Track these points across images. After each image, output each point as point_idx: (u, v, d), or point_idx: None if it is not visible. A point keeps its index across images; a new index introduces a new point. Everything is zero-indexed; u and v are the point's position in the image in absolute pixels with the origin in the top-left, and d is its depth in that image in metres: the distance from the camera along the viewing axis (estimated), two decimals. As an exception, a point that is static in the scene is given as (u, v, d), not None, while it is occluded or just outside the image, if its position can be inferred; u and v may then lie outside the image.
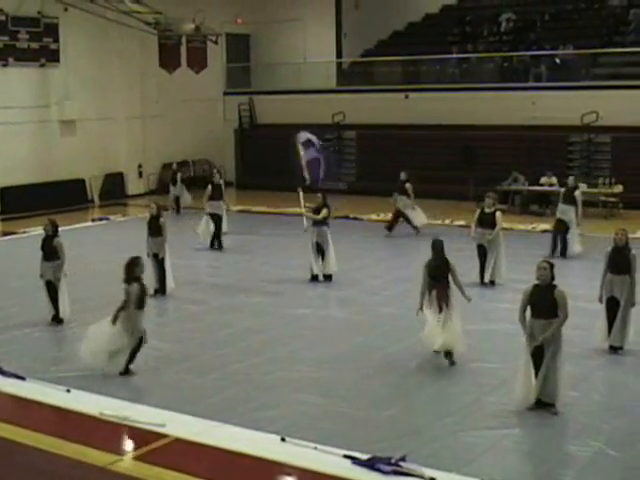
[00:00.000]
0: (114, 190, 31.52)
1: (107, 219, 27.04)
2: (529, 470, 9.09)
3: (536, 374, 10.35)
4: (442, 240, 12.74)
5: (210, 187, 21.88)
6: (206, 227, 21.77)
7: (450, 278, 12.50)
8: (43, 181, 28.89)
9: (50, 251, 14.71)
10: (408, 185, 22.91)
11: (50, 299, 14.83)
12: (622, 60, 29.54)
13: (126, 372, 12.03)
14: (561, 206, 20.41)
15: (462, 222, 24.01)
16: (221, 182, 22.73)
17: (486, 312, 15.06)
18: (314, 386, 11.74)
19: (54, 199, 27.76)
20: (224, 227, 23.59)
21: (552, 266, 10.59)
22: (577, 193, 20.38)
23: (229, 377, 12.07)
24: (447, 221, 25.08)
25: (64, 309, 14.86)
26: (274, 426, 10.06)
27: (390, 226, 22.87)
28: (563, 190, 20.81)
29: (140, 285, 12.07)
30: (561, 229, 20.06)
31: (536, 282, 10.60)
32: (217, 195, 21.87)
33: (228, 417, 10.37)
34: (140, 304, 11.98)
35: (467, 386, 11.55)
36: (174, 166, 28.67)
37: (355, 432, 10.02)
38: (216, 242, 21.64)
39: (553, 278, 10.54)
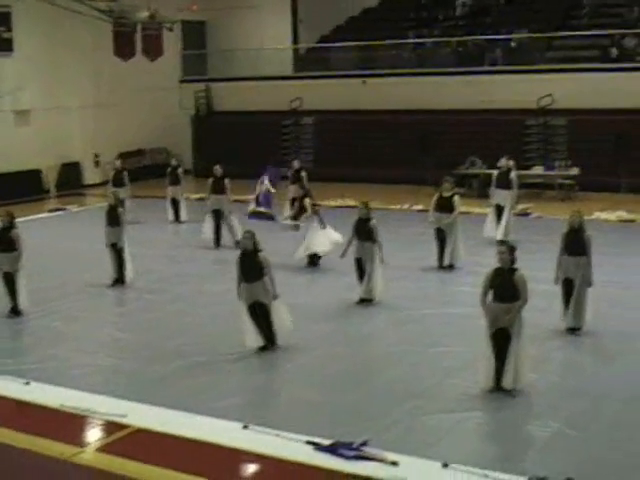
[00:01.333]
0: (70, 180, 31.23)
1: (64, 209, 26.82)
2: (491, 451, 9.17)
3: (497, 357, 10.43)
4: None
5: (211, 180, 20.74)
6: (211, 226, 20.43)
7: None
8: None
9: (7, 242, 14.54)
10: (303, 174, 22.45)
11: (8, 291, 14.68)
12: (576, 43, 29.76)
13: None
14: (496, 191, 19.87)
15: (420, 207, 24.10)
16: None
17: (445, 296, 15.18)
18: (275, 373, 11.75)
19: (9, 190, 27.40)
20: (183, 216, 23.60)
21: (512, 249, 10.66)
22: (512, 175, 19.89)
23: (190, 366, 12.04)
24: (405, 206, 25.17)
25: (22, 300, 14.72)
26: (236, 414, 10.07)
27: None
28: (496, 174, 20.28)
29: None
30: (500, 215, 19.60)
31: (497, 266, 10.66)
32: (219, 189, 20.60)
33: (189, 406, 10.35)
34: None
35: (429, 370, 11.61)
36: (117, 164, 24.77)
37: (317, 418, 10.05)
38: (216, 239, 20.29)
39: (513, 262, 10.61)
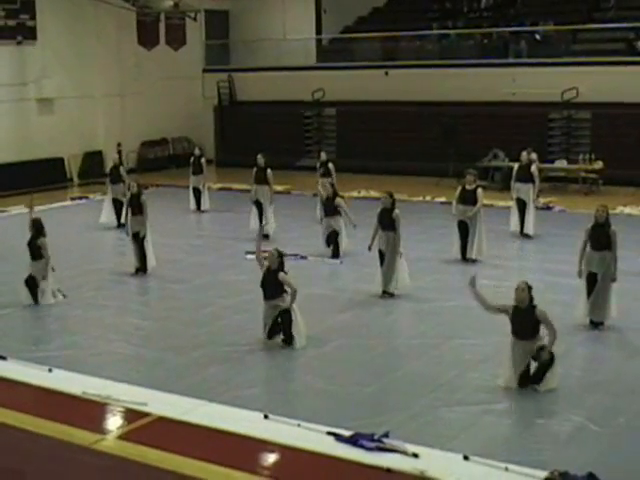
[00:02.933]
0: (93, 169, 31.30)
1: (86, 198, 26.89)
2: (511, 445, 9.12)
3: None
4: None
5: (254, 170, 20.21)
6: (256, 216, 20.07)
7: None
8: (21, 160, 28.65)
9: (137, 207, 16.55)
10: (331, 166, 21.89)
11: (137, 251, 16.56)
12: (602, 36, 29.54)
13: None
14: (517, 185, 19.62)
15: (443, 199, 24.03)
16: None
17: (467, 288, 15.05)
18: (295, 363, 11.75)
19: (33, 178, 27.52)
20: (205, 205, 23.59)
21: (530, 288, 10.50)
22: (533, 168, 19.67)
23: (211, 355, 12.05)
24: (428, 198, 25.11)
25: (150, 259, 16.63)
26: (257, 404, 10.08)
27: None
28: (516, 167, 20.01)
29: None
30: (522, 209, 19.49)
31: (515, 304, 10.53)
32: (261, 179, 20.05)
33: (210, 395, 10.37)
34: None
35: (449, 363, 11.58)
36: (115, 157, 23.46)
37: (338, 409, 10.04)
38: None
39: (532, 299, 10.47)
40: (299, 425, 9.38)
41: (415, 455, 8.65)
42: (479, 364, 11.38)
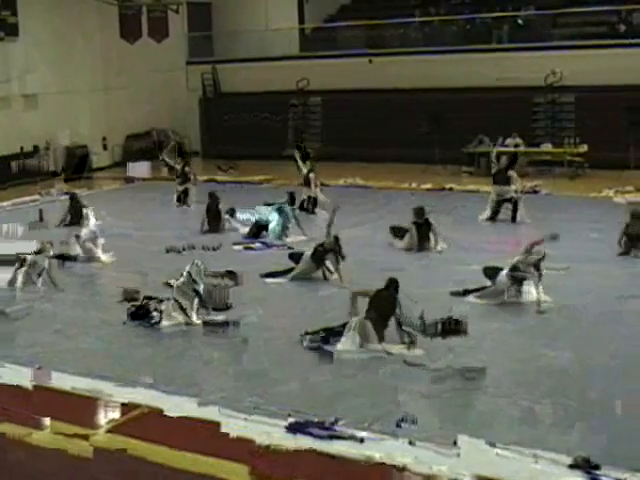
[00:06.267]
0: (78, 163, 31.19)
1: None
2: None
3: None
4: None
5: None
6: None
7: None
8: (3, 155, 28.53)
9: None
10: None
11: None
12: (584, 20, 29.60)
13: None
14: (496, 188, 19.59)
15: (429, 185, 24.07)
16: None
17: (455, 274, 15.07)
18: (270, 355, 11.72)
19: (19, 173, 27.48)
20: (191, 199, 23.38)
21: None
22: (511, 173, 19.53)
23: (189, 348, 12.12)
24: (414, 184, 25.12)
25: None
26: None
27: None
28: (494, 172, 19.89)
29: None
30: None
31: None
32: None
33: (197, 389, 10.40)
34: None
35: (436, 349, 11.49)
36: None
37: (316, 399, 10.05)
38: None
39: None
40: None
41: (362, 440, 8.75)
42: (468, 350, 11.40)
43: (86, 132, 31.63)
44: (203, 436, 9.18)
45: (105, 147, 32.57)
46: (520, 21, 30.29)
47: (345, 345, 11.34)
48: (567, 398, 9.72)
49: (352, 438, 8.79)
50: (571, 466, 8.09)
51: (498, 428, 9.06)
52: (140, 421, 9.68)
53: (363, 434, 8.87)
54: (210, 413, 9.61)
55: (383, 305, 11.57)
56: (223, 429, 9.23)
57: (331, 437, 8.87)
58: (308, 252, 15.19)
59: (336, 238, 14.70)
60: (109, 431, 9.41)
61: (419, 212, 16.84)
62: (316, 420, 9.19)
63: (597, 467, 8.00)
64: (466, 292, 13.42)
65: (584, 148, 25.89)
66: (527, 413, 9.47)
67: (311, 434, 8.95)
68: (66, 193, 23.09)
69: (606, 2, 29.07)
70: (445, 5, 33.27)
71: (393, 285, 11.68)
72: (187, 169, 22.96)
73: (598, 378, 10.34)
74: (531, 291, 13.12)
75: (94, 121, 31.90)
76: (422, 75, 29.41)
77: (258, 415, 9.45)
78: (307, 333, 11.74)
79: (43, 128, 29.60)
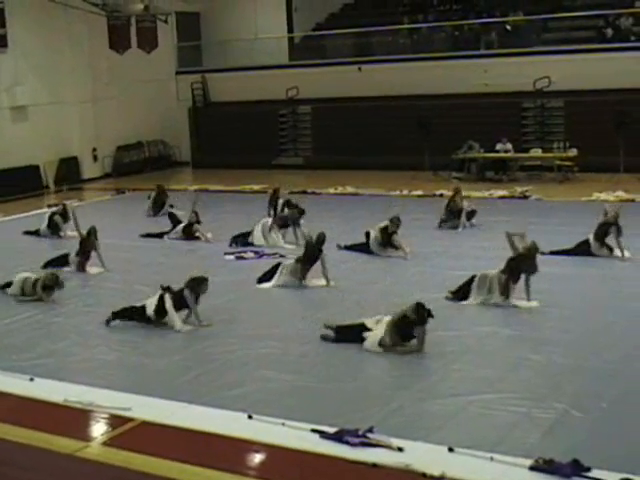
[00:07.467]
0: (69, 175, 31.19)
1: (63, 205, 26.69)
2: (495, 435, 9.13)
3: None
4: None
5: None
6: None
7: None
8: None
9: None
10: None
11: None
12: (572, 24, 29.72)
13: None
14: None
15: (419, 192, 24.08)
16: None
17: (447, 280, 15.09)
18: (278, 362, 11.73)
19: (8, 186, 27.40)
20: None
21: None
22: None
23: (192, 358, 12.05)
24: (405, 191, 25.14)
25: None
26: (240, 404, 10.05)
27: None
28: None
29: None
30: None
31: None
32: None
33: (193, 397, 10.33)
34: None
35: (430, 355, 11.56)
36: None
37: (321, 406, 10.04)
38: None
39: None
40: (283, 424, 9.37)
41: (400, 449, 8.66)
42: (461, 355, 11.40)
43: (76, 143, 31.60)
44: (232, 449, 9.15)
45: (95, 158, 32.52)
46: (508, 27, 30.38)
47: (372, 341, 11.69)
48: (559, 402, 9.73)
49: (388, 446, 8.71)
50: (532, 468, 8.11)
51: (489, 432, 9.07)
52: (136, 433, 9.64)
53: (399, 441, 8.79)
54: (240, 424, 9.53)
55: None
56: (255, 438, 9.17)
57: (364, 445, 8.79)
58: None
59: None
60: (104, 443, 9.39)
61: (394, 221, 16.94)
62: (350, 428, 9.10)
63: (588, 469, 8.01)
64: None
65: (574, 152, 25.95)
66: (521, 417, 9.48)
67: (347, 442, 8.86)
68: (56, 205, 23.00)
69: (593, 7, 29.21)
70: (433, 12, 33.38)
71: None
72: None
73: (591, 380, 10.36)
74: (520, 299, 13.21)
75: (84, 132, 31.88)
76: (411, 82, 29.48)
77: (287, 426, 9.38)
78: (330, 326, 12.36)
79: (33, 140, 29.56)
